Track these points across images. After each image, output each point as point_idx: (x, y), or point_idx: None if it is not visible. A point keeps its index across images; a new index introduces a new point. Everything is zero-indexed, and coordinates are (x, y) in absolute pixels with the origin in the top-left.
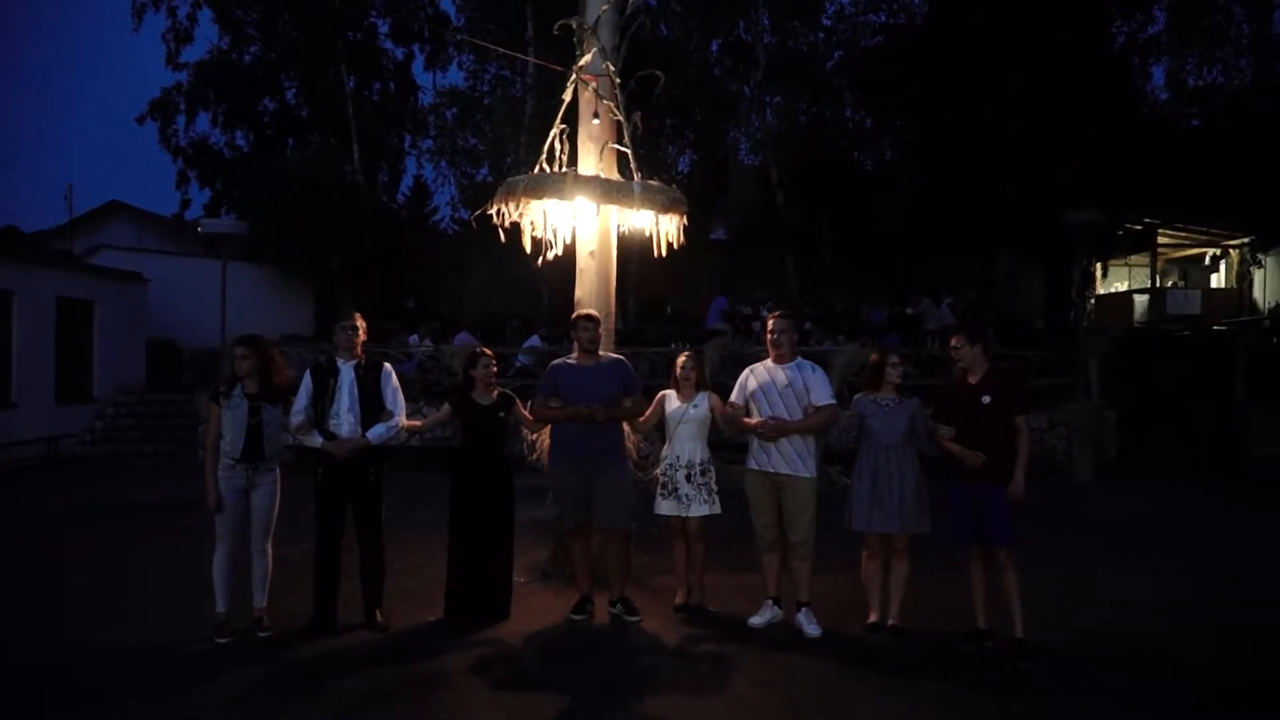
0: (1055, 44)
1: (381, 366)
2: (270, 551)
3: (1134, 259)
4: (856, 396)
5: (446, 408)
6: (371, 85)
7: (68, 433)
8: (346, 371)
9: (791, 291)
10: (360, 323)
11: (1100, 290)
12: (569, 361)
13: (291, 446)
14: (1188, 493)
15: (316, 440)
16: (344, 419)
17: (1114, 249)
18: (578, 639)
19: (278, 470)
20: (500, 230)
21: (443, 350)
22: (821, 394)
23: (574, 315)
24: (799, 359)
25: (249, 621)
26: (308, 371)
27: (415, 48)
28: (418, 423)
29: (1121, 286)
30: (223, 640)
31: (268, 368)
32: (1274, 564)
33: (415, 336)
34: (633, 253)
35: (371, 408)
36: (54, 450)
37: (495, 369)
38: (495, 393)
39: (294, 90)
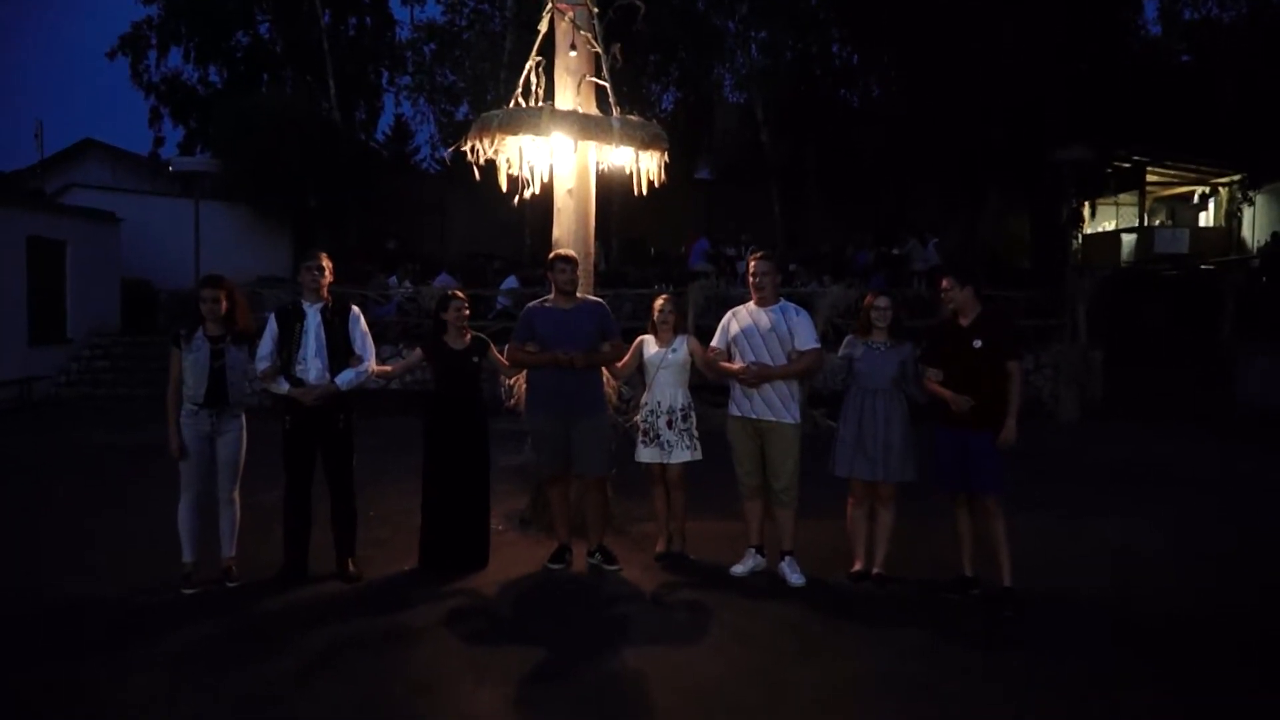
0: None
1: (350, 309)
2: (238, 500)
3: (1122, 198)
4: (847, 338)
5: (418, 352)
6: (348, 20)
7: (42, 375)
8: (313, 315)
9: (776, 232)
10: (326, 262)
11: (1088, 230)
12: (546, 304)
13: (260, 391)
14: (1175, 434)
15: (283, 387)
16: (311, 364)
17: (1102, 188)
18: (555, 589)
19: (243, 416)
20: (475, 168)
21: (422, 292)
22: (806, 338)
23: (550, 256)
24: (783, 301)
25: (218, 572)
26: (271, 315)
27: None
28: (389, 368)
29: (1109, 226)
30: (190, 591)
31: (233, 309)
32: (1266, 507)
33: (394, 278)
34: (614, 192)
35: (340, 352)
36: (28, 393)
37: (468, 311)
38: (469, 336)
39: (268, 25)
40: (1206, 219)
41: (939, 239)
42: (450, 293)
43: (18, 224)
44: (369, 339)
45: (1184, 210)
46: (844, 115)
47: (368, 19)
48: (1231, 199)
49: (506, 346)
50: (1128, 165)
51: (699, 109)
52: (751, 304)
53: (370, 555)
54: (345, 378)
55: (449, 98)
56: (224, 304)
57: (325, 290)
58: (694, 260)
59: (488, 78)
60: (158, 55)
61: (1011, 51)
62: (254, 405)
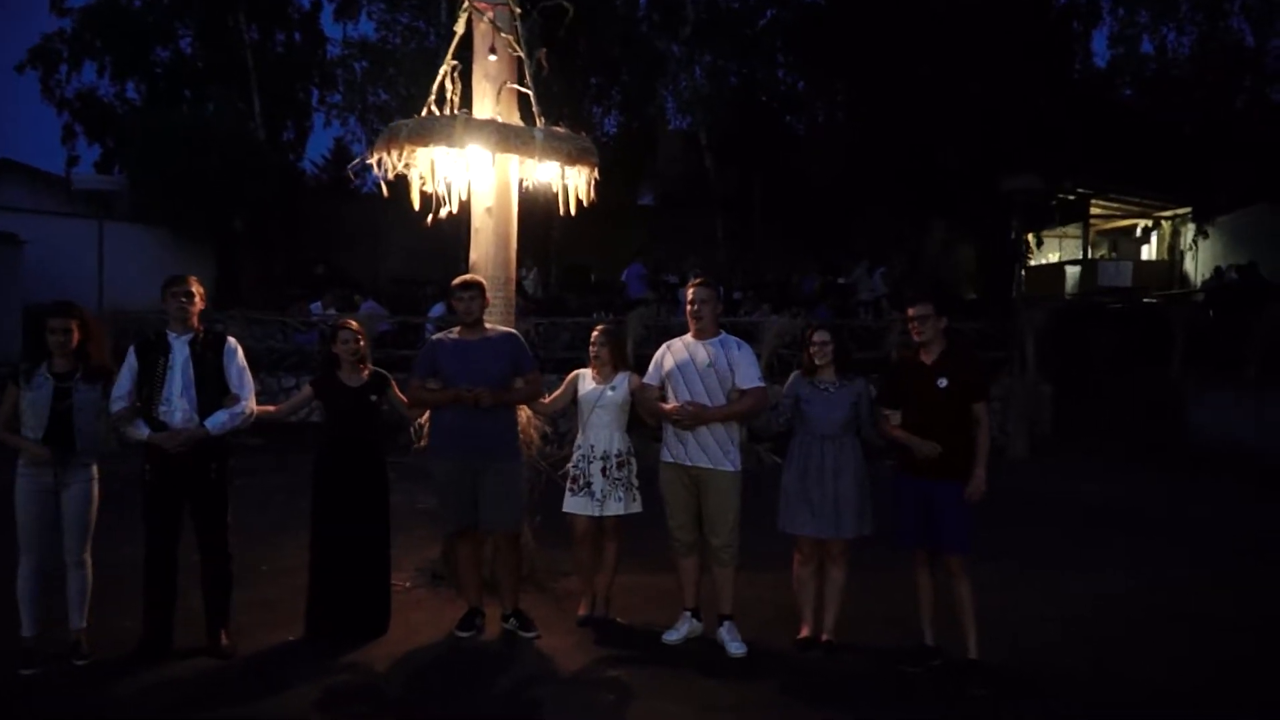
0: (993, 4)
1: (225, 340)
2: (89, 562)
3: (1065, 230)
4: (792, 376)
5: (307, 389)
6: (275, 36)
7: None
8: (180, 348)
9: (721, 259)
10: (195, 287)
11: (1032, 261)
12: (450, 336)
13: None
14: (1129, 471)
15: (142, 432)
16: (177, 405)
17: (1047, 219)
18: (459, 663)
19: (94, 466)
20: (383, 184)
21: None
22: (747, 375)
23: (453, 283)
24: (723, 334)
25: (65, 646)
26: (131, 348)
27: None
28: (271, 408)
29: (1053, 257)
30: (28, 672)
31: (86, 342)
32: (1229, 552)
33: (319, 305)
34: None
35: (211, 391)
36: None
37: (363, 343)
38: (366, 372)
39: (189, 40)
40: (1149, 252)
41: (885, 268)
42: (341, 322)
43: None
44: (247, 375)
45: (1126, 243)
46: (790, 142)
47: (296, 35)
48: (1174, 232)
49: (407, 383)
50: (1072, 197)
51: (642, 134)
52: (689, 336)
53: (252, 621)
54: (217, 420)
55: (381, 116)
56: (76, 335)
57: (195, 319)
58: (633, 288)
59: (421, 97)
60: (69, 69)
61: (959, 78)
62: (115, 452)
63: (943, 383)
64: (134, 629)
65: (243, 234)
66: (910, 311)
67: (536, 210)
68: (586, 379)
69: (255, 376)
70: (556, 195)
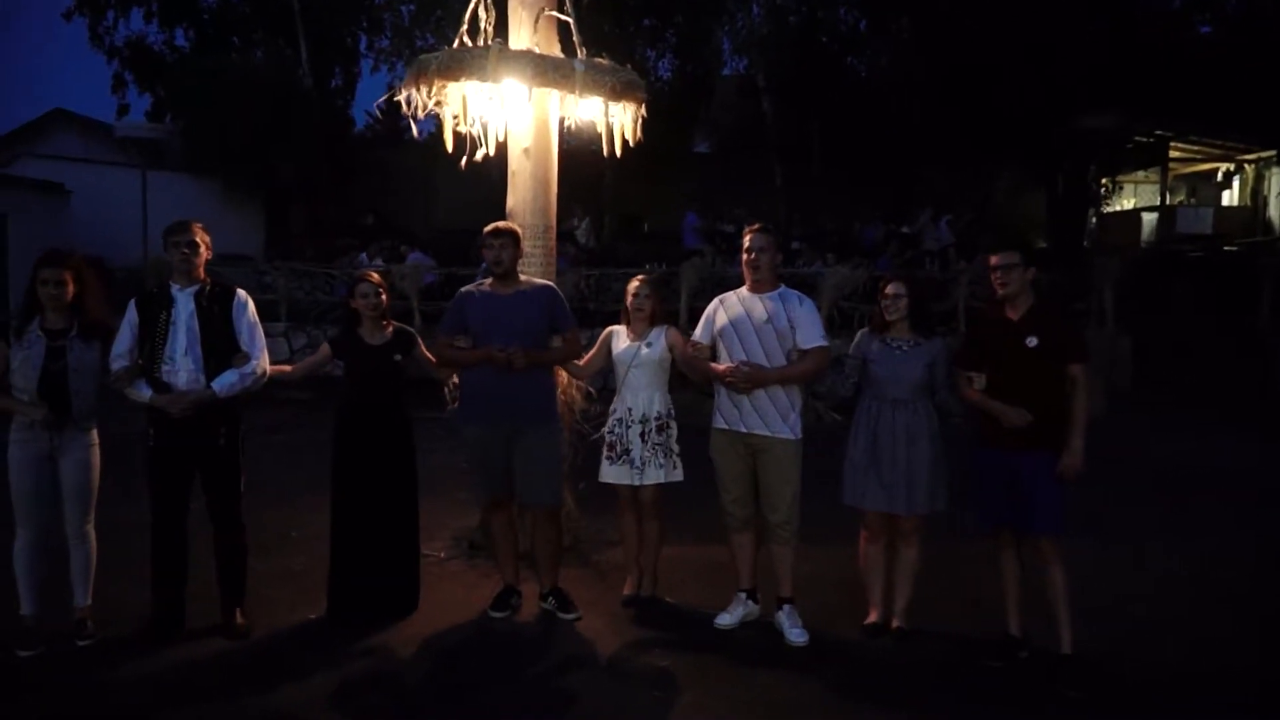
0: None
1: (234, 294)
2: (93, 534)
3: (1140, 175)
4: (860, 334)
5: (325, 348)
6: None
7: None
8: (184, 302)
9: (778, 208)
10: (200, 235)
11: (1105, 209)
12: (481, 289)
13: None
14: (1217, 429)
15: (144, 393)
16: (181, 364)
17: (1122, 163)
18: (492, 648)
19: (94, 431)
20: (411, 121)
21: (394, 271)
22: (810, 333)
23: (484, 230)
24: (782, 287)
25: (70, 624)
26: (131, 303)
27: None
28: (286, 368)
29: (1128, 204)
30: (26, 654)
31: (83, 295)
32: None
33: (365, 255)
34: (606, 164)
35: (219, 349)
36: None
37: (385, 297)
38: (390, 329)
39: None
40: (1230, 198)
41: (951, 216)
42: (361, 274)
43: None
44: (259, 331)
45: (1206, 188)
46: (851, 85)
47: None
48: (1258, 176)
49: (435, 340)
50: (1150, 140)
51: (697, 78)
52: (744, 289)
53: (274, 595)
54: (225, 382)
55: None
56: (70, 287)
57: (201, 270)
58: (688, 239)
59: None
60: (116, 15)
61: (1031, 13)
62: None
63: (1032, 341)
64: (147, 601)
65: (291, 184)
66: (993, 261)
67: (586, 156)
68: (620, 336)
69: (301, 330)
70: (600, 136)
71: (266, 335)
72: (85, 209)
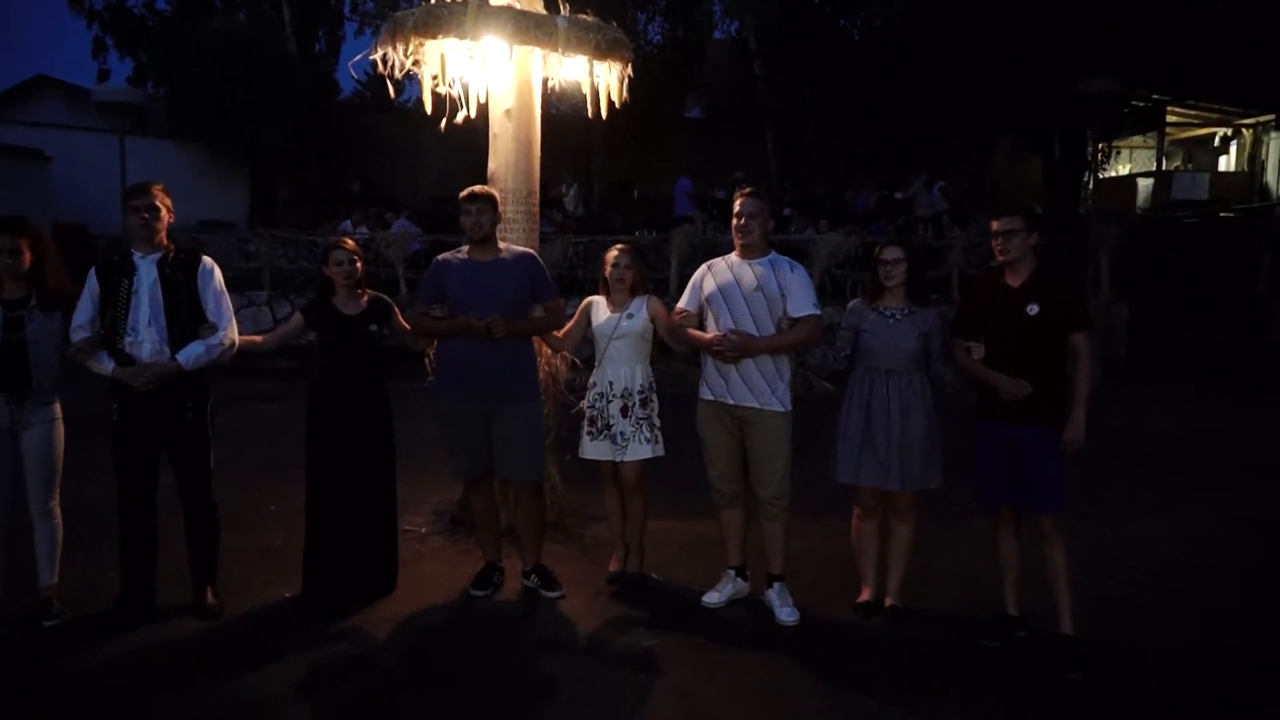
0: None
1: (199, 261)
2: (58, 511)
3: (1137, 140)
4: (851, 305)
5: (297, 318)
6: None
7: None
8: (147, 269)
9: (770, 174)
10: (161, 198)
11: (1101, 174)
12: (459, 255)
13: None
14: (1213, 401)
15: (106, 365)
16: (144, 335)
17: (1119, 128)
18: (471, 628)
19: (57, 404)
20: (389, 82)
21: (379, 238)
22: (802, 301)
23: (461, 194)
24: (773, 253)
25: (35, 604)
26: (91, 271)
27: None
28: (257, 338)
29: (1123, 170)
30: None
31: (40, 264)
32: None
33: (349, 223)
34: (595, 129)
35: (184, 320)
36: None
37: (360, 265)
38: (365, 298)
39: None
40: (1227, 163)
41: (945, 181)
42: (334, 240)
43: None
44: (225, 300)
45: (1202, 153)
46: (844, 48)
47: None
48: (1255, 141)
49: (412, 309)
50: (1147, 104)
51: (688, 42)
52: (733, 255)
53: (249, 572)
54: (190, 353)
55: None
56: (27, 256)
57: (164, 236)
58: (679, 204)
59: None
60: None
61: None
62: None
63: (1033, 309)
64: (115, 583)
65: (276, 150)
66: (995, 225)
67: (574, 121)
68: (600, 307)
69: (284, 298)
70: (585, 97)
71: (250, 304)
72: (65, 176)
